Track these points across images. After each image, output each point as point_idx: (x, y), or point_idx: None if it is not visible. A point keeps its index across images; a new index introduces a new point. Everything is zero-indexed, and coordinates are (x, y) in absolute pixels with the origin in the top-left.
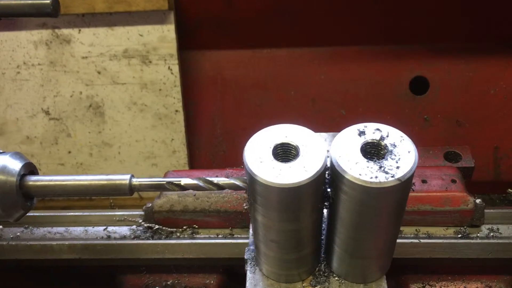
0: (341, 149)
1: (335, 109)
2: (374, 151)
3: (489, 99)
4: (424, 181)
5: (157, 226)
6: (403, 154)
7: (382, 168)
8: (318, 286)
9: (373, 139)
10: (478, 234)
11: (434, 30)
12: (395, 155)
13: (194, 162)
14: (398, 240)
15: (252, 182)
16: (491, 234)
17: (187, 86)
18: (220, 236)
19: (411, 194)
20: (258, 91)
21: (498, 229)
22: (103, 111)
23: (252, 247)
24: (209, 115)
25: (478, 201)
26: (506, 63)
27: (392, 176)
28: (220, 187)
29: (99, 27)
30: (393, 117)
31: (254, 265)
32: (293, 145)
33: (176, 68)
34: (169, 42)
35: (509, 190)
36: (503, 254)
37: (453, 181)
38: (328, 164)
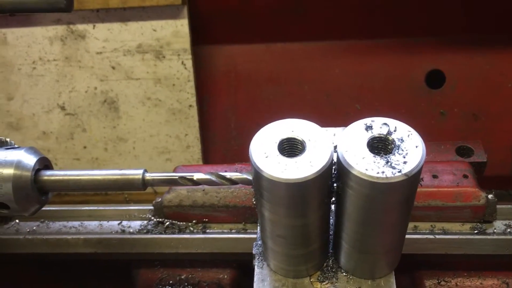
0: (347, 143)
1: (349, 103)
2: (381, 146)
3: (506, 92)
4: (435, 176)
5: (168, 221)
6: (411, 149)
7: (389, 163)
8: (326, 282)
9: (380, 134)
10: (495, 230)
11: (450, 23)
12: (402, 150)
13: (208, 157)
14: (413, 236)
15: (258, 177)
16: (508, 230)
17: (201, 81)
18: (233, 231)
19: (422, 189)
20: (272, 85)
21: None
22: (117, 106)
23: (260, 242)
24: (223, 110)
25: (490, 196)
26: None
27: (399, 171)
28: (233, 181)
29: (113, 23)
30: (409, 111)
31: (262, 260)
32: (299, 140)
33: (189, 63)
34: (182, 37)
35: None
36: None
37: (465, 176)
38: (335, 159)
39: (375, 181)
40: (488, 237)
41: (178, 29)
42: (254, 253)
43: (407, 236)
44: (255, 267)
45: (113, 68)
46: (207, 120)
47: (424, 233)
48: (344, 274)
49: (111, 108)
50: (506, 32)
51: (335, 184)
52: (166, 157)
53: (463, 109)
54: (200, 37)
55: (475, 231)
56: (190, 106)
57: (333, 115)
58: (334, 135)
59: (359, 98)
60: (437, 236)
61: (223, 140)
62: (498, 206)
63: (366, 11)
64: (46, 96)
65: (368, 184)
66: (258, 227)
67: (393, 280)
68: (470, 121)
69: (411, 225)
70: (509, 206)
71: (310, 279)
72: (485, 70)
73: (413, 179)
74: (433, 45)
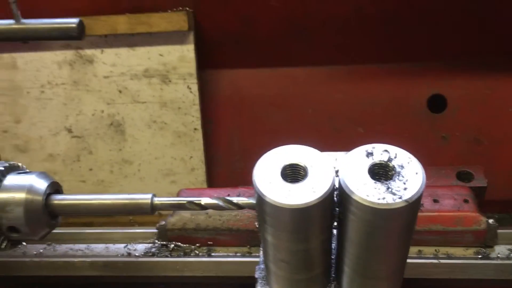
0: (349, 169)
1: (352, 127)
2: (382, 172)
3: (507, 116)
4: (436, 201)
5: (173, 244)
6: (411, 176)
7: (390, 189)
8: None
9: (381, 160)
10: (499, 255)
11: (451, 47)
12: (402, 176)
13: (212, 180)
14: (417, 261)
15: (261, 202)
16: None
17: (206, 105)
18: (238, 254)
19: (423, 213)
20: (276, 109)
21: None
22: (123, 129)
23: (262, 266)
24: (227, 133)
25: (491, 221)
26: None
27: (399, 198)
28: (239, 206)
29: (121, 48)
30: (411, 135)
31: (264, 284)
32: (301, 166)
33: (195, 87)
34: (188, 61)
35: None
36: None
37: (466, 201)
38: (337, 184)
39: (376, 207)
40: (492, 261)
41: (184, 54)
42: (256, 277)
43: (411, 260)
44: None
45: (120, 91)
46: (212, 143)
47: (429, 258)
48: None
49: (117, 131)
50: (507, 56)
51: (337, 209)
52: (171, 180)
53: (465, 133)
54: (206, 62)
55: (479, 256)
56: (195, 129)
57: (336, 138)
58: (336, 159)
59: (362, 122)
60: (441, 261)
61: (227, 163)
62: (500, 231)
63: (368, 37)
64: (53, 119)
65: (369, 210)
66: (261, 251)
67: None
68: (472, 145)
69: (415, 249)
70: (511, 230)
71: None
72: (486, 95)
73: (414, 205)
74: (435, 70)
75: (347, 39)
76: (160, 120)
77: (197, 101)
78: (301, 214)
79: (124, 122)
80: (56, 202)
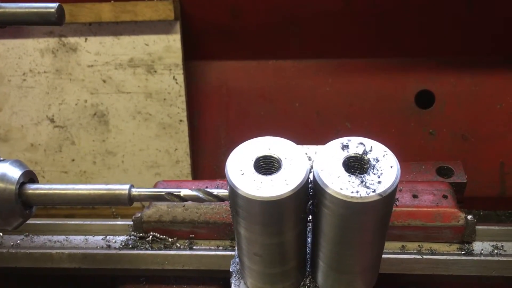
0: (324, 162)
1: (340, 121)
2: (357, 165)
3: (495, 113)
4: (415, 196)
5: (151, 235)
6: (386, 169)
7: (364, 183)
8: None
9: (356, 153)
10: (482, 251)
11: (440, 44)
12: (377, 170)
13: (198, 172)
14: (400, 256)
15: (233, 195)
16: (495, 251)
17: (192, 96)
18: (220, 247)
19: (402, 208)
20: (263, 102)
21: (502, 246)
22: (107, 120)
23: (237, 260)
24: (214, 126)
25: (469, 217)
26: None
27: (373, 191)
28: (220, 198)
29: (106, 36)
30: (398, 130)
31: (239, 278)
32: (275, 158)
33: (181, 78)
34: (174, 52)
35: None
36: (507, 272)
37: (445, 196)
38: (311, 177)
39: (349, 200)
40: (475, 258)
41: (170, 44)
42: (231, 270)
43: (395, 256)
44: (232, 285)
45: (104, 81)
46: (197, 135)
47: (412, 253)
48: None
49: (100, 121)
50: (495, 54)
51: (311, 202)
52: (155, 172)
53: (452, 129)
54: (192, 53)
55: (462, 252)
56: (181, 121)
57: (323, 132)
58: (316, 153)
59: (349, 116)
60: (424, 257)
61: (213, 155)
62: (479, 227)
63: (357, 31)
64: (35, 108)
65: (343, 204)
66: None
67: None
68: (459, 141)
69: (398, 245)
70: (495, 227)
71: None
72: (474, 91)
73: (388, 199)
74: (423, 66)
75: (335, 33)
76: (145, 111)
77: (183, 92)
78: (273, 206)
79: (108, 113)
80: (29, 191)
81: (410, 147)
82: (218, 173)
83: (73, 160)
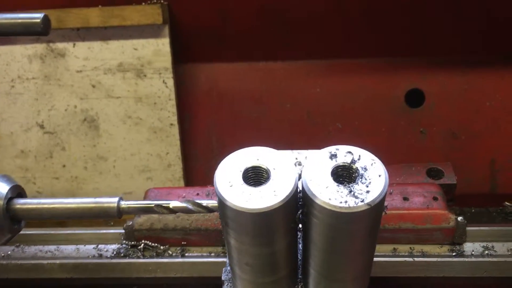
0: (312, 172)
1: (331, 122)
2: (345, 174)
3: (485, 111)
4: (405, 199)
5: (142, 243)
6: (374, 178)
7: (352, 193)
8: None
9: (344, 162)
10: (473, 252)
11: (430, 43)
12: (365, 179)
13: (189, 176)
14: (392, 259)
15: (222, 206)
16: (486, 252)
17: (182, 100)
18: (212, 254)
19: (392, 211)
20: (254, 104)
21: (493, 247)
22: (97, 125)
23: (229, 268)
24: (205, 129)
25: (459, 218)
26: (502, 75)
27: (361, 201)
28: (209, 210)
29: (94, 41)
30: (389, 130)
31: (230, 286)
32: (264, 169)
33: (170, 82)
34: (163, 55)
35: (506, 203)
36: (497, 272)
37: (435, 198)
38: (300, 187)
39: (338, 210)
40: (466, 259)
41: (159, 48)
42: (223, 279)
43: (386, 259)
44: None
45: (94, 86)
46: (189, 138)
47: (403, 256)
48: None
49: (91, 127)
50: (484, 52)
51: (300, 212)
52: (147, 176)
53: (442, 127)
54: (182, 56)
55: (453, 254)
56: (171, 124)
57: (315, 133)
58: (306, 158)
59: (340, 116)
60: (416, 259)
61: (204, 158)
62: (469, 228)
63: (347, 31)
64: (24, 114)
65: (331, 214)
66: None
67: None
68: (450, 139)
69: (390, 247)
70: (488, 228)
71: None
72: (464, 90)
73: (376, 208)
74: (413, 65)
75: (325, 33)
76: (135, 115)
77: (173, 96)
78: (263, 218)
79: (98, 118)
80: (18, 206)
81: (400, 146)
82: (210, 176)
83: (64, 166)
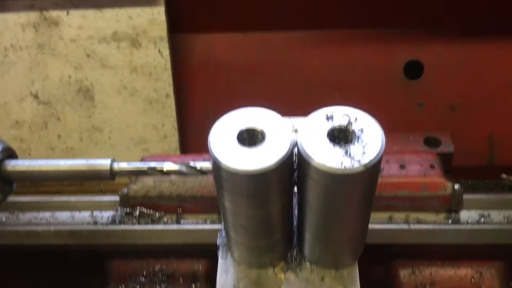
0: (308, 134)
1: (328, 93)
2: (341, 136)
3: (484, 83)
4: (402, 167)
5: (138, 211)
6: (370, 140)
7: (348, 154)
8: (290, 272)
9: (341, 124)
10: (469, 220)
11: (429, 13)
12: (362, 141)
13: (186, 147)
14: (387, 226)
15: (216, 168)
16: (482, 219)
17: (178, 70)
18: (208, 221)
19: (389, 179)
20: (251, 75)
21: (489, 215)
22: (92, 95)
23: (224, 233)
24: (201, 99)
25: (456, 186)
26: (502, 46)
27: (358, 162)
28: (203, 172)
29: (88, 9)
30: (387, 102)
31: (226, 250)
32: (259, 130)
33: (166, 52)
34: (159, 24)
35: (503, 175)
36: (494, 240)
37: (432, 166)
38: (296, 149)
39: (333, 172)
40: (462, 226)
41: (154, 17)
42: (218, 243)
43: (382, 226)
44: (219, 258)
45: (88, 56)
46: (185, 109)
47: (399, 223)
48: (308, 264)
49: (86, 97)
50: (484, 23)
51: (296, 174)
52: (143, 147)
53: (441, 100)
54: (177, 25)
55: (449, 221)
56: (167, 95)
57: (312, 104)
58: (297, 124)
59: (337, 88)
60: (411, 226)
61: (201, 130)
62: (466, 196)
63: (345, 0)
64: (18, 84)
65: (327, 175)
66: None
67: (356, 271)
68: (448, 112)
69: (385, 215)
70: (482, 196)
71: (274, 270)
72: (463, 61)
73: (372, 170)
74: (412, 36)
75: (323, 2)
76: (131, 86)
77: (168, 66)
78: (258, 179)
79: (93, 88)
80: (9, 167)
81: (398, 119)
82: (206, 147)
83: (59, 136)
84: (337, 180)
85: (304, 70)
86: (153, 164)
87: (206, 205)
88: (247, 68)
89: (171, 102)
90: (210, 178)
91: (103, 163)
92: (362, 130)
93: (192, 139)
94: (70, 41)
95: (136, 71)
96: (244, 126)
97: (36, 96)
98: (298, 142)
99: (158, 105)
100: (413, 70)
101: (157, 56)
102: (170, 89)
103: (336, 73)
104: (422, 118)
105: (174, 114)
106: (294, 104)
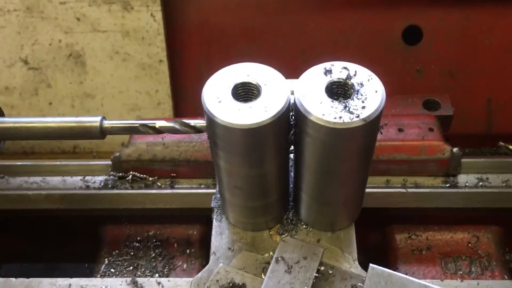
0: (306, 88)
1: (325, 59)
2: (340, 91)
3: (483, 49)
4: (400, 130)
5: (131, 174)
6: (370, 94)
7: (347, 108)
8: (286, 234)
9: (340, 78)
10: (467, 183)
11: None
12: (361, 95)
13: (180, 114)
14: (385, 190)
15: (211, 124)
16: (480, 183)
17: (172, 35)
18: (202, 186)
19: (387, 142)
20: (246, 40)
21: (487, 178)
22: (84, 61)
23: (218, 195)
24: (195, 66)
25: (455, 149)
26: (502, 11)
27: (357, 117)
28: (197, 129)
29: None
30: (385, 67)
31: (220, 213)
32: (254, 85)
33: (159, 15)
34: None
35: (501, 143)
36: (491, 203)
37: (431, 129)
38: (293, 105)
39: (332, 126)
40: (460, 190)
41: None
42: (212, 206)
43: (379, 190)
44: (214, 220)
45: (78, 19)
46: (179, 76)
47: (396, 187)
48: (304, 226)
49: (77, 63)
50: None
51: (292, 131)
52: (137, 114)
53: (439, 66)
54: None
55: (447, 185)
56: (161, 61)
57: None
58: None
59: (334, 54)
60: (409, 190)
61: (195, 97)
62: (464, 160)
63: None
64: (7, 49)
65: (325, 130)
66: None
67: (353, 232)
68: (446, 78)
69: (383, 179)
70: (483, 160)
71: (269, 232)
72: (462, 26)
73: (372, 124)
74: (411, 0)
75: None
76: (123, 51)
77: (161, 30)
78: (253, 135)
79: (84, 53)
80: None
81: (396, 85)
82: (201, 114)
83: (50, 103)
84: (335, 135)
85: (301, 36)
86: (145, 121)
87: (201, 169)
88: (242, 33)
89: (165, 68)
90: (204, 142)
91: (93, 120)
92: (361, 84)
93: (186, 106)
94: (59, 4)
95: (128, 35)
96: (239, 80)
97: (26, 62)
98: (296, 97)
99: (151, 71)
100: (412, 35)
101: (149, 19)
102: (163, 55)
103: (333, 39)
104: (420, 84)
105: (167, 80)
106: (291, 69)
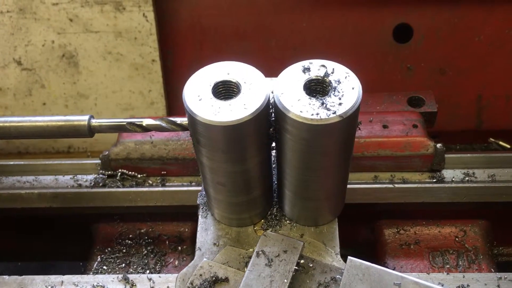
0: (284, 86)
1: (317, 58)
2: (318, 88)
3: (473, 46)
4: (385, 126)
5: (120, 172)
6: (347, 91)
7: (324, 105)
8: (270, 230)
9: (317, 76)
10: (453, 178)
11: None
12: (338, 92)
13: (173, 114)
14: (373, 186)
15: (192, 121)
16: (467, 178)
17: (164, 35)
18: (193, 183)
19: (371, 139)
20: (238, 40)
21: (474, 173)
22: (77, 61)
23: (204, 192)
24: (188, 65)
25: (438, 145)
26: (491, 9)
27: (333, 113)
28: (184, 127)
29: None
30: (376, 65)
31: (206, 210)
32: (234, 83)
33: (151, 15)
34: None
35: (491, 139)
36: (478, 198)
37: (415, 126)
38: (272, 102)
39: (309, 123)
40: (446, 185)
41: None
42: (198, 203)
43: (367, 186)
44: (199, 216)
45: (71, 20)
46: (172, 75)
47: (384, 183)
48: (288, 222)
49: (70, 63)
50: None
51: (273, 128)
52: (130, 114)
53: (430, 63)
54: None
55: (434, 180)
56: (153, 61)
57: None
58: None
59: (326, 52)
60: (396, 185)
61: None
62: (448, 155)
63: None
64: (0, 50)
65: (303, 127)
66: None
67: (335, 227)
68: (437, 75)
69: (371, 175)
70: (469, 155)
71: (254, 228)
72: (452, 24)
73: (349, 120)
74: None
75: None
76: (116, 51)
77: (154, 30)
78: (233, 132)
79: (77, 54)
80: None
81: (387, 83)
82: None
83: (44, 104)
84: (313, 132)
85: (293, 35)
86: (132, 120)
87: (189, 167)
88: (234, 32)
89: (158, 67)
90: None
91: (81, 119)
92: (339, 81)
93: (180, 105)
94: (52, 5)
95: (120, 35)
96: (219, 79)
97: (19, 63)
98: (275, 95)
99: (144, 70)
100: (402, 33)
101: (142, 20)
102: (156, 55)
103: (325, 37)
104: (411, 81)
105: (160, 80)
106: (283, 68)
